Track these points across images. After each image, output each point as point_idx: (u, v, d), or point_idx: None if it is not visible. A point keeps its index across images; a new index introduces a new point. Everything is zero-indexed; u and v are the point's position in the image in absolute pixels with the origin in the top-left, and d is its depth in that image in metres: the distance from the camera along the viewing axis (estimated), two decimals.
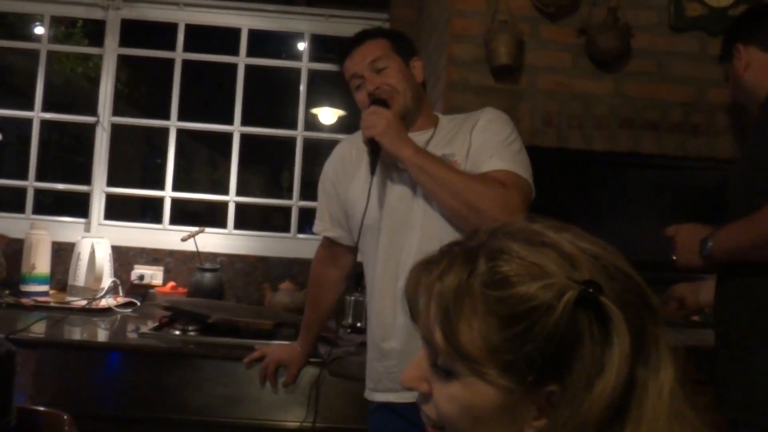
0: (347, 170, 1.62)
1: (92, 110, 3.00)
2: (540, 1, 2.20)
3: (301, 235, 2.99)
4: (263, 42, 3.14)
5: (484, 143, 1.48)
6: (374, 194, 1.52)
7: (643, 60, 2.25)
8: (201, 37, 3.11)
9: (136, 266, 2.79)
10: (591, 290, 0.58)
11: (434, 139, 1.55)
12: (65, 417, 1.40)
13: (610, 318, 0.59)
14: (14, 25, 4.00)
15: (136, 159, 6.63)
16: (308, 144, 3.09)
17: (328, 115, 4.74)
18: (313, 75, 3.13)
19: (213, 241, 2.86)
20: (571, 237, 0.64)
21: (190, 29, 3.04)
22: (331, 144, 3.03)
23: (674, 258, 1.55)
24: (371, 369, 1.57)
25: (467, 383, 0.62)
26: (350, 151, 1.65)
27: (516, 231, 0.65)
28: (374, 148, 1.48)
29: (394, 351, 1.49)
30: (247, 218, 3.27)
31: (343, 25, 3.04)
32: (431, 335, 0.64)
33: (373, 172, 1.49)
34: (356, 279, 2.09)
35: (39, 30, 3.18)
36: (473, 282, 0.61)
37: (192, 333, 2.05)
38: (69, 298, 2.52)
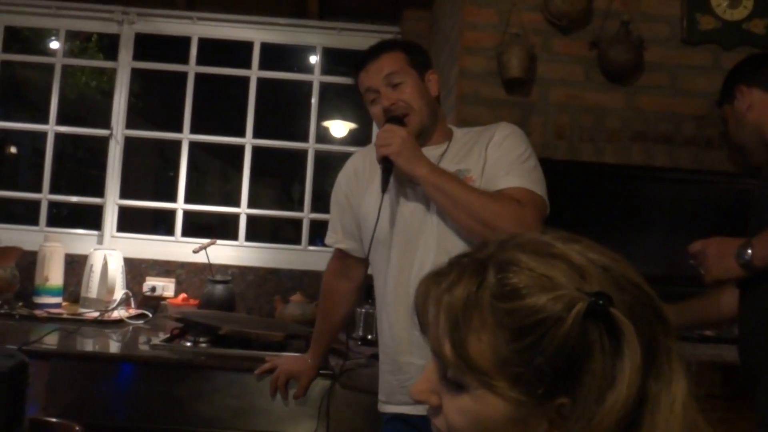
0: (360, 183, 1.62)
1: (106, 123, 3.03)
2: (552, 14, 2.20)
3: (312, 248, 3.00)
4: (275, 55, 3.17)
5: (499, 160, 1.47)
6: (387, 209, 1.52)
7: (655, 73, 2.24)
8: (214, 50, 3.14)
9: (148, 278, 2.81)
10: (601, 302, 0.58)
11: (448, 154, 1.54)
12: (77, 428, 1.40)
13: (620, 330, 0.58)
14: (30, 39, 4.06)
15: (148, 171, 6.68)
16: (319, 156, 3.11)
17: (339, 127, 4.76)
18: (324, 88, 3.15)
19: (224, 253, 2.87)
20: (581, 248, 0.63)
21: (203, 43, 3.07)
22: (342, 156, 3.04)
23: (703, 272, 1.53)
24: (384, 382, 1.56)
25: (477, 396, 0.61)
26: (363, 164, 1.65)
27: (525, 242, 0.65)
28: (387, 166, 1.48)
29: (411, 365, 1.48)
30: (259, 230, 3.28)
31: (355, 38, 3.06)
32: (440, 347, 0.63)
33: (384, 190, 1.49)
34: (367, 291, 2.09)
35: (54, 44, 3.22)
36: (482, 294, 0.61)
37: (203, 344, 2.05)
38: (81, 310, 2.53)
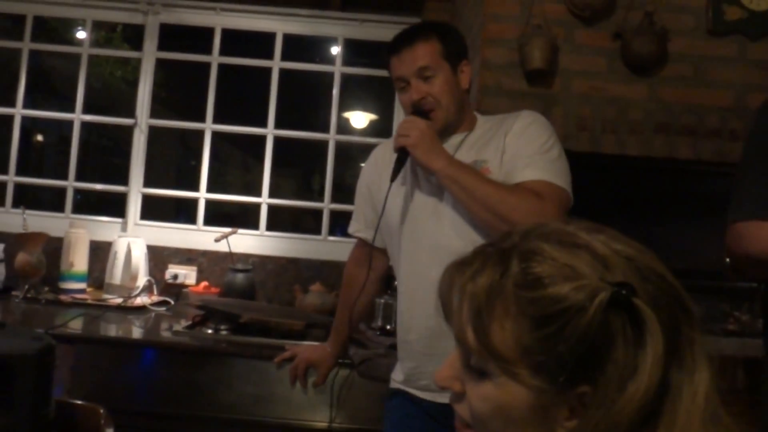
0: (381, 173, 1.62)
1: (130, 112, 3.07)
2: (575, 5, 2.18)
3: (331, 238, 3.01)
4: (297, 46, 3.17)
5: (519, 150, 1.44)
6: (401, 198, 1.53)
7: (679, 64, 2.21)
8: (237, 41, 3.16)
9: (170, 266, 2.84)
10: (624, 292, 0.58)
11: (467, 142, 1.53)
12: (101, 411, 1.43)
13: (643, 320, 0.58)
14: (56, 29, 4.11)
15: (171, 160, 6.74)
16: (340, 147, 3.12)
17: (360, 118, 4.76)
18: (346, 79, 3.15)
19: (245, 242, 2.89)
20: (605, 238, 0.64)
21: (226, 34, 3.09)
22: (363, 148, 3.04)
23: (728, 260, 1.51)
24: (400, 365, 1.59)
25: (499, 383, 0.62)
26: (384, 155, 1.65)
27: (549, 232, 0.65)
28: (402, 156, 1.48)
29: (414, 353, 1.50)
30: (279, 220, 3.30)
31: (377, 29, 3.05)
32: (464, 335, 0.64)
33: (393, 179, 1.49)
34: (387, 281, 2.10)
35: (81, 34, 3.26)
36: (506, 283, 0.62)
37: (224, 332, 2.08)
38: (105, 296, 2.57)
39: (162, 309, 2.51)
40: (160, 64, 3.15)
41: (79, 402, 1.46)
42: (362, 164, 1.78)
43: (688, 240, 2.29)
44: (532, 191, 1.38)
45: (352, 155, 4.12)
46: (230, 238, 2.73)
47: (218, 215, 3.44)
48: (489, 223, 1.39)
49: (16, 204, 3.01)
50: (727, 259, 1.52)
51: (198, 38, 3.12)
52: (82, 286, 2.66)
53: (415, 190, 1.54)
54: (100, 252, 2.79)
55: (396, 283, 1.63)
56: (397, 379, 1.59)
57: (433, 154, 1.43)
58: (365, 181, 1.70)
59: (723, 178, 2.31)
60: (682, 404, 0.60)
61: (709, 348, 0.63)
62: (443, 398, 1.44)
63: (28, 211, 2.78)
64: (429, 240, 1.49)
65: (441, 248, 1.46)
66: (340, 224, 3.00)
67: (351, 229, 1.76)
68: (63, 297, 2.49)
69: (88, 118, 3.12)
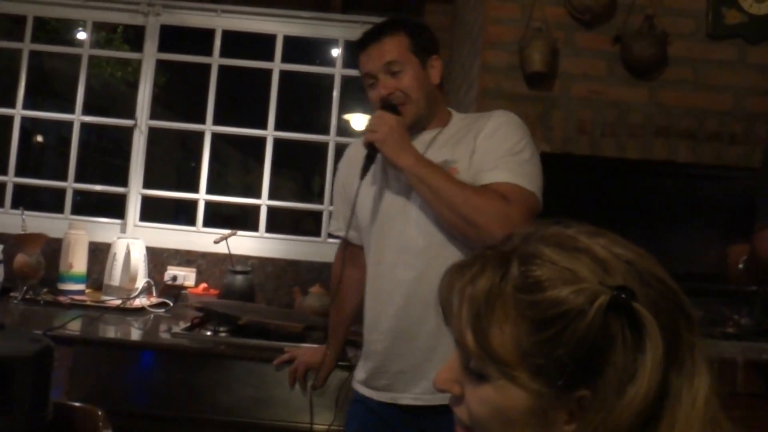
0: (353, 172, 1.58)
1: (130, 113, 3.07)
2: (575, 9, 2.18)
3: (331, 240, 3.01)
4: (298, 48, 3.18)
5: (488, 151, 1.42)
6: (369, 198, 1.52)
7: (679, 68, 2.21)
8: (237, 42, 3.16)
9: (169, 267, 2.84)
10: (623, 296, 0.58)
11: (438, 141, 1.51)
12: (99, 413, 1.42)
13: (642, 324, 0.58)
14: (57, 30, 4.12)
15: (171, 162, 6.75)
16: (340, 149, 3.10)
17: (360, 121, 4.77)
18: (346, 81, 3.15)
19: (245, 244, 2.89)
20: (606, 242, 0.64)
21: (227, 35, 3.09)
22: None
23: (741, 266, 1.51)
24: (360, 364, 1.59)
25: (498, 386, 0.62)
26: (357, 153, 1.61)
27: (549, 236, 0.65)
28: (371, 153, 1.46)
29: (377, 354, 1.50)
30: (279, 222, 3.30)
31: None
32: (463, 338, 0.64)
33: (362, 176, 1.47)
34: None
35: (81, 35, 3.27)
36: (505, 286, 0.62)
37: (223, 334, 2.08)
38: (104, 297, 2.57)
39: (161, 311, 2.51)
40: (161, 65, 3.15)
41: (77, 404, 1.45)
42: None
43: (688, 243, 2.29)
44: (498, 194, 1.36)
45: None
46: (230, 239, 2.73)
47: (218, 217, 3.45)
48: (453, 223, 1.38)
49: (15, 205, 3.00)
50: (740, 265, 1.51)
51: (198, 40, 3.13)
52: (80, 287, 2.65)
53: (384, 189, 1.52)
54: (99, 253, 2.79)
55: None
56: (358, 378, 1.58)
57: (401, 150, 1.41)
58: (341, 180, 1.68)
59: (722, 181, 2.32)
60: (682, 408, 0.60)
61: (709, 352, 0.63)
62: (405, 399, 1.45)
63: (27, 212, 2.77)
64: (394, 240, 1.48)
65: (405, 249, 1.46)
66: None
67: (332, 228, 1.75)
68: (62, 298, 2.48)
69: (88, 119, 3.12)
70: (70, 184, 3.06)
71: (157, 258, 2.85)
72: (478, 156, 1.43)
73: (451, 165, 1.44)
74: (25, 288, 2.48)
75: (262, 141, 3.07)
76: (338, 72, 3.10)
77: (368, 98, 1.56)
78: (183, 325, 2.19)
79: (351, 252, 1.69)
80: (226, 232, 2.77)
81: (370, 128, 1.45)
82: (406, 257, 1.45)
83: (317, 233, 3.05)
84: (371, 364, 1.52)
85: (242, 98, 3.59)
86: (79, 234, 2.69)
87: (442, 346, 1.40)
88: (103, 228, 2.96)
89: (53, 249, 2.68)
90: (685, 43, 2.21)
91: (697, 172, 2.26)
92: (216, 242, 2.73)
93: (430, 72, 1.53)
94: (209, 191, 3.08)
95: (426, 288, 1.40)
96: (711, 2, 2.22)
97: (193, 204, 3.08)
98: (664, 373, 0.58)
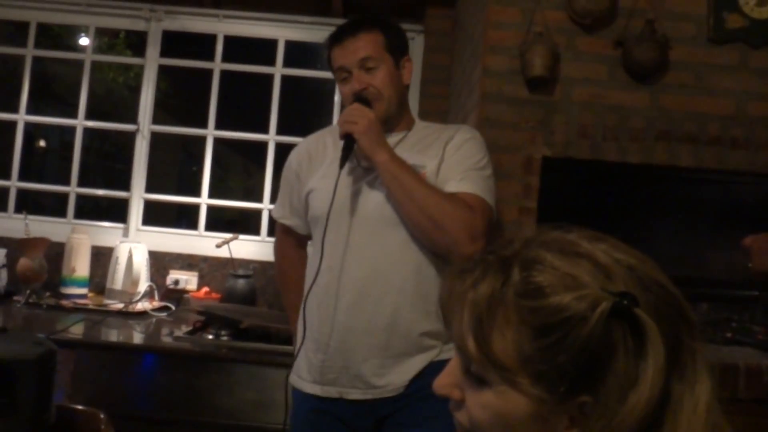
0: (313, 163, 1.61)
1: (132, 118, 3.08)
2: (576, 13, 2.18)
3: None
4: (299, 53, 3.19)
5: (456, 163, 1.49)
6: (328, 190, 1.50)
7: (681, 72, 2.21)
8: (239, 47, 3.17)
9: (171, 271, 2.85)
10: (625, 302, 0.58)
11: (404, 143, 1.54)
12: (101, 416, 1.43)
13: (644, 330, 0.58)
14: (60, 36, 4.13)
15: (173, 166, 6.76)
16: None
17: None
18: None
19: (246, 248, 2.89)
20: (607, 248, 0.64)
21: (229, 40, 3.10)
22: None
23: (750, 265, 1.52)
24: (305, 360, 1.54)
25: (499, 391, 0.62)
26: (317, 145, 1.64)
27: (551, 241, 0.65)
28: (349, 144, 1.47)
29: (329, 347, 1.48)
30: None
31: None
32: (464, 343, 0.64)
33: (341, 166, 1.48)
34: None
35: (84, 41, 3.28)
36: (507, 291, 0.62)
37: (224, 338, 2.08)
38: (107, 301, 2.58)
39: (163, 314, 2.52)
40: (163, 70, 3.16)
41: (79, 407, 1.46)
42: None
43: (689, 248, 2.29)
44: (465, 202, 1.44)
45: None
46: (231, 243, 2.73)
47: (219, 221, 3.45)
48: (420, 224, 1.42)
49: (18, 209, 3.01)
50: (750, 264, 1.53)
51: (200, 45, 3.14)
52: (83, 291, 2.66)
53: (342, 184, 1.51)
54: (102, 257, 2.80)
55: (308, 271, 1.59)
56: (302, 375, 1.54)
57: (378, 145, 1.44)
58: (294, 169, 1.66)
59: (724, 185, 2.32)
60: (684, 415, 0.60)
61: (710, 357, 0.63)
62: (353, 394, 1.46)
63: (30, 217, 2.78)
64: (349, 236, 1.49)
65: (360, 245, 1.48)
66: None
67: (275, 214, 1.73)
68: (64, 302, 2.49)
69: (91, 124, 3.13)
70: (73, 189, 3.06)
71: (159, 262, 2.85)
72: (446, 165, 1.50)
73: (420, 170, 1.49)
74: (28, 292, 2.49)
75: (263, 145, 3.08)
76: None
77: (340, 92, 1.59)
78: (185, 328, 2.20)
79: (291, 238, 1.72)
80: (228, 236, 2.78)
81: (348, 119, 1.47)
82: (360, 252, 1.48)
83: None
84: (320, 356, 1.50)
85: (244, 103, 3.60)
86: (82, 238, 2.70)
87: (395, 342, 1.44)
88: (106, 232, 2.97)
89: (56, 253, 2.68)
90: (687, 48, 2.21)
91: (699, 176, 2.26)
92: (218, 246, 2.74)
93: (403, 72, 1.58)
94: (211, 195, 3.08)
95: (379, 284, 1.45)
96: (712, 6, 2.22)
97: (195, 208, 3.08)
98: (665, 379, 0.58)
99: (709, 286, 1.66)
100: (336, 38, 1.55)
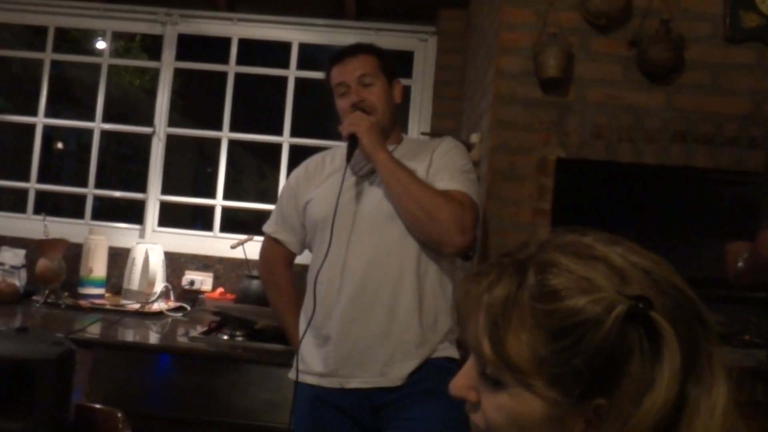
0: (310, 180, 1.76)
1: (148, 121, 3.11)
2: (590, 14, 2.17)
3: None
4: (313, 55, 3.20)
5: (444, 166, 1.65)
6: (334, 194, 1.62)
7: (697, 72, 2.19)
8: (253, 50, 3.19)
9: (187, 272, 2.87)
10: (641, 305, 0.58)
11: (395, 153, 1.66)
12: (119, 415, 1.44)
13: (660, 333, 0.58)
14: (77, 40, 4.18)
15: (188, 168, 6.80)
16: None
17: None
18: None
19: None
20: (622, 251, 0.63)
21: (243, 43, 3.12)
22: None
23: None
24: (307, 352, 1.64)
25: (515, 394, 0.62)
26: (315, 164, 1.80)
27: (566, 244, 0.65)
28: (353, 142, 1.62)
29: (329, 339, 1.58)
30: None
31: (392, 38, 3.07)
32: (479, 345, 0.64)
33: (348, 160, 1.63)
34: None
35: (100, 45, 3.31)
36: (522, 294, 0.62)
37: (239, 338, 2.09)
38: (123, 301, 2.60)
39: (178, 315, 2.54)
40: (178, 73, 3.19)
41: (97, 406, 1.47)
42: None
43: (706, 249, 2.26)
44: (455, 198, 1.57)
45: None
46: (246, 244, 2.75)
47: (234, 222, 3.47)
48: (416, 216, 1.55)
49: (37, 211, 3.05)
50: (740, 263, 1.51)
51: (215, 48, 3.16)
52: (100, 291, 2.69)
53: (344, 189, 1.62)
54: (119, 258, 2.82)
55: (311, 270, 1.70)
56: (304, 368, 1.62)
57: (378, 145, 1.60)
58: (292, 187, 1.81)
59: (741, 186, 2.30)
60: (700, 419, 0.59)
61: (727, 360, 0.63)
62: (352, 383, 1.55)
63: (48, 218, 2.82)
64: (349, 234, 1.61)
65: (358, 242, 1.60)
66: None
67: (268, 229, 1.85)
68: (82, 302, 2.52)
69: (108, 126, 3.17)
70: (90, 191, 3.10)
71: (175, 263, 2.87)
72: (434, 168, 1.65)
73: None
74: (47, 292, 2.52)
75: (278, 147, 3.09)
76: None
77: (338, 106, 1.74)
78: (200, 329, 2.21)
79: (280, 251, 1.84)
80: (243, 237, 2.79)
81: (351, 122, 1.63)
82: (361, 247, 1.60)
83: None
84: (323, 349, 1.59)
85: (258, 105, 3.62)
86: (99, 239, 2.73)
87: (394, 331, 1.55)
88: (123, 233, 3.00)
89: (74, 254, 2.72)
90: (702, 47, 2.19)
91: (716, 177, 2.24)
92: (233, 247, 2.75)
93: (394, 92, 1.76)
94: (226, 197, 3.10)
95: (378, 274, 1.57)
96: (728, 5, 2.20)
97: (210, 209, 3.11)
98: (681, 383, 0.58)
99: (727, 288, 1.64)
100: (337, 59, 1.73)
